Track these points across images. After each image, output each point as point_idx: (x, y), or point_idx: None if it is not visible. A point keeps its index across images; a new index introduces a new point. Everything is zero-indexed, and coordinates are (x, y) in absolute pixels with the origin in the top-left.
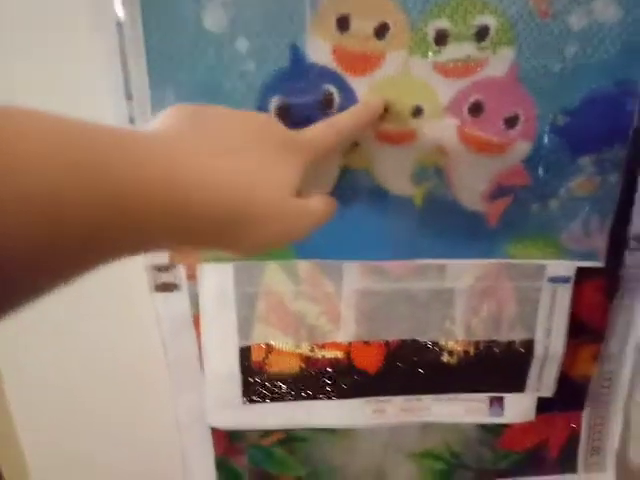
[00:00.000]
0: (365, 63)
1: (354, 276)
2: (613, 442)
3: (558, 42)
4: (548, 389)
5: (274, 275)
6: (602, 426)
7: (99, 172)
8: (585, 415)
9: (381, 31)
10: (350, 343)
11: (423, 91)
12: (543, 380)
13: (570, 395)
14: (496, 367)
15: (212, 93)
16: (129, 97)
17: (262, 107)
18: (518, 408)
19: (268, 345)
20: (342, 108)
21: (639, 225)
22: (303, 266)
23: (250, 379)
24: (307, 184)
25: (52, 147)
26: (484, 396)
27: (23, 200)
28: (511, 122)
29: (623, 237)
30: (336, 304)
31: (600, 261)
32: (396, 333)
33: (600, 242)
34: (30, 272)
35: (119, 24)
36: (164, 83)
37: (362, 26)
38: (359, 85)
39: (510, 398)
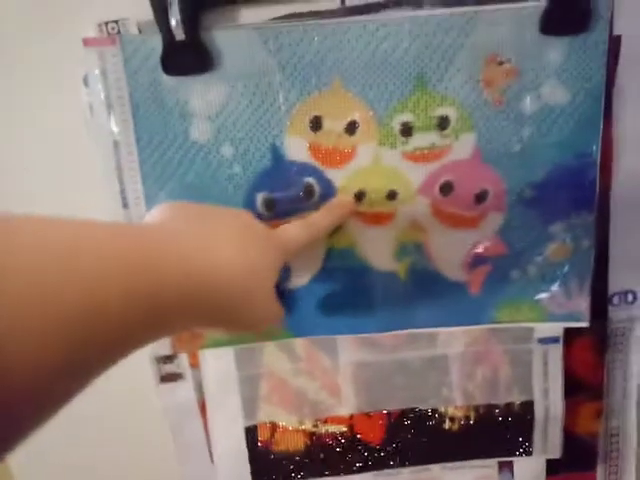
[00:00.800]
0: (339, 157)
1: (349, 349)
2: None
3: (514, 126)
4: (555, 450)
5: (273, 355)
6: None
7: (136, 275)
8: (599, 474)
9: (351, 128)
10: (352, 416)
11: (395, 177)
12: (549, 441)
13: (580, 455)
14: (499, 431)
15: (202, 197)
16: (125, 205)
17: (249, 203)
18: (528, 472)
19: (273, 424)
20: (322, 196)
21: (617, 282)
22: (300, 344)
23: (258, 459)
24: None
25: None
26: (492, 462)
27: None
28: (481, 197)
29: (604, 293)
30: (334, 378)
31: (584, 321)
32: (395, 403)
33: (582, 303)
34: (61, 380)
35: (115, 143)
36: (157, 192)
37: (333, 125)
38: (336, 176)
39: (519, 462)
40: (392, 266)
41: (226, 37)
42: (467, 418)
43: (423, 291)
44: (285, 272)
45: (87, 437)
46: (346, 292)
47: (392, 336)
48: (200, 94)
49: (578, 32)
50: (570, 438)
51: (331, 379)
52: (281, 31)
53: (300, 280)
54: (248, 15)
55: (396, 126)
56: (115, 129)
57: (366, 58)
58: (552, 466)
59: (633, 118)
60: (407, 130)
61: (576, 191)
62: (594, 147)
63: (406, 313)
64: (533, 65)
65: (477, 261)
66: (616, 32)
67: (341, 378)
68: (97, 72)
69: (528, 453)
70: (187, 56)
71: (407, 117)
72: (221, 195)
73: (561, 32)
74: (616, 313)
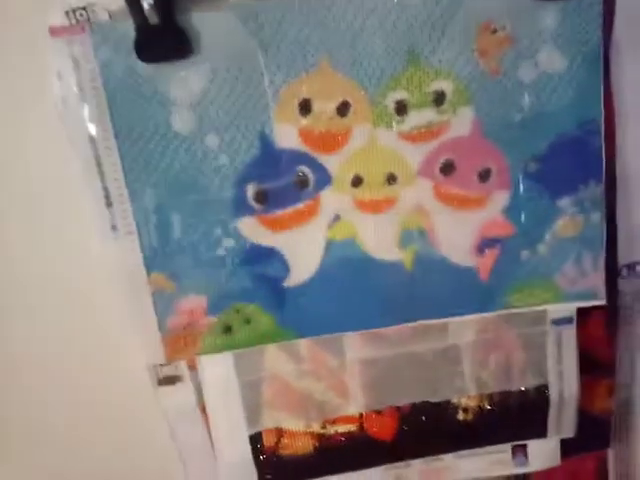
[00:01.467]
0: (332, 141)
1: (355, 346)
2: None
3: (513, 96)
4: (569, 430)
5: (275, 358)
6: (629, 460)
7: None
8: (611, 451)
9: (343, 109)
10: (361, 414)
11: (393, 159)
12: (563, 422)
13: (593, 433)
14: (514, 417)
15: (189, 190)
16: (109, 204)
17: (239, 196)
18: (542, 454)
19: (278, 429)
20: (317, 185)
21: (626, 254)
22: (303, 344)
23: (265, 466)
24: None
25: None
26: (506, 446)
27: None
28: (484, 175)
29: (613, 266)
30: (341, 377)
31: (601, 298)
32: (406, 398)
33: (597, 279)
34: None
35: (91, 138)
36: (142, 188)
37: (324, 107)
38: (330, 162)
39: (533, 445)
40: (396, 255)
41: (203, 18)
42: (480, 407)
43: (431, 280)
44: (282, 269)
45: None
46: (349, 286)
47: (400, 329)
48: (179, 81)
49: None
50: (584, 417)
51: (338, 378)
52: (261, 9)
53: (299, 277)
54: None
55: (390, 104)
56: (91, 123)
57: (353, 34)
58: (565, 446)
59: (633, 81)
60: (402, 108)
61: (582, 161)
62: (596, 113)
63: (414, 304)
64: (528, 31)
65: (485, 244)
66: None
67: (348, 376)
68: (68, 63)
69: (542, 435)
70: (163, 41)
71: (401, 94)
72: (209, 188)
73: None
74: (625, 285)
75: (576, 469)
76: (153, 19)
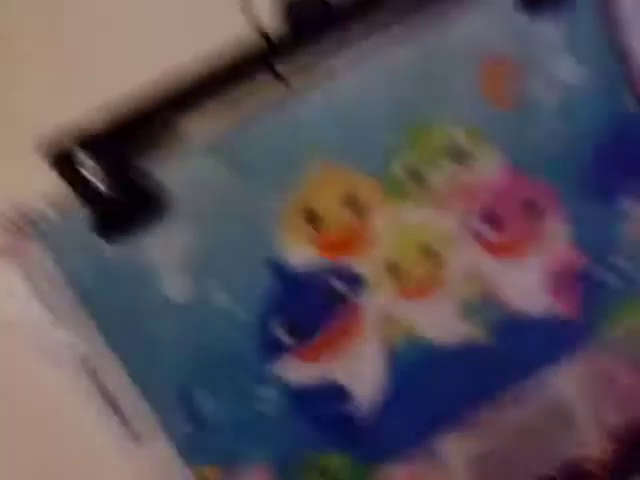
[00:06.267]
0: (352, 241)
1: (455, 446)
2: None
3: (534, 121)
4: None
5: None
6: None
7: None
8: None
9: (352, 202)
10: None
11: (425, 231)
12: None
13: None
14: None
15: (213, 359)
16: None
17: (266, 341)
18: None
19: None
20: (352, 293)
21: None
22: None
23: None
24: None
25: None
26: None
27: None
28: (531, 211)
29: None
30: None
31: None
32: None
33: None
34: None
35: (84, 359)
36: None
37: (331, 209)
38: (358, 263)
39: None
40: (466, 332)
41: (169, 171)
42: (610, 450)
43: (515, 342)
44: (345, 399)
45: None
46: (427, 387)
47: (493, 412)
48: (159, 248)
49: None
50: None
51: None
52: (230, 138)
53: (366, 401)
54: (189, 134)
55: (403, 175)
56: (76, 340)
57: (344, 124)
58: None
59: None
60: (416, 175)
61: (628, 156)
62: (629, 106)
63: (502, 374)
64: (530, 51)
65: (561, 280)
66: None
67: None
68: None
69: None
70: (129, 213)
71: (411, 160)
72: (232, 347)
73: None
74: None
75: None
76: (110, 195)
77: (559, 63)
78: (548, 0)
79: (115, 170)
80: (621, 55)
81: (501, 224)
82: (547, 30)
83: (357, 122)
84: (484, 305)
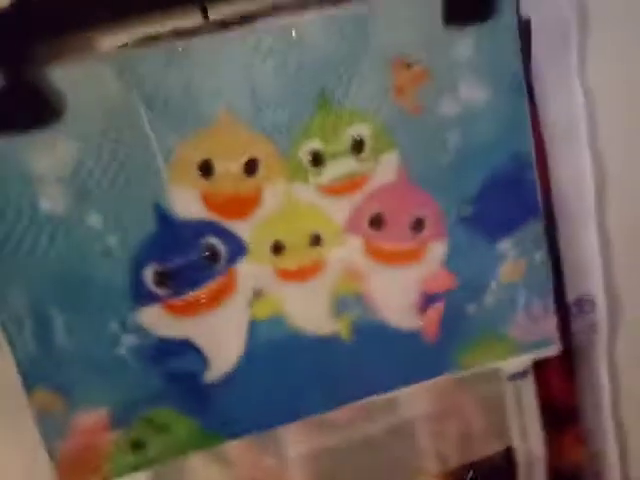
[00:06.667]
0: (242, 205)
1: (296, 439)
2: None
3: (437, 134)
4: None
5: (200, 469)
6: None
7: None
8: None
9: (250, 167)
10: None
11: (315, 218)
12: None
13: None
14: None
15: (70, 282)
16: None
17: (136, 281)
18: None
19: None
20: (231, 258)
21: (573, 291)
22: (233, 447)
23: None
24: None
25: None
26: None
27: None
28: (417, 226)
29: (563, 306)
30: (283, 478)
31: (556, 345)
32: None
33: (549, 324)
34: None
35: None
36: (9, 290)
37: (227, 167)
38: (242, 229)
39: None
40: (332, 327)
41: (68, 75)
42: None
43: (373, 350)
44: (199, 363)
45: None
46: (282, 371)
47: (346, 411)
48: (46, 153)
49: (484, 19)
50: (556, 473)
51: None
52: (138, 59)
53: (221, 369)
54: (95, 43)
55: (304, 156)
56: None
57: (253, 80)
58: None
59: (557, 105)
60: (318, 159)
61: (517, 198)
62: (526, 145)
63: (358, 380)
64: (445, 63)
65: (427, 301)
66: (525, 15)
67: (293, 475)
68: None
69: None
70: (16, 107)
71: (315, 144)
72: (96, 277)
73: (466, 21)
74: (577, 324)
75: None
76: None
77: (464, 80)
78: (472, 19)
79: (12, 62)
80: (528, 92)
81: (386, 230)
82: (461, 44)
83: (267, 86)
84: (355, 305)
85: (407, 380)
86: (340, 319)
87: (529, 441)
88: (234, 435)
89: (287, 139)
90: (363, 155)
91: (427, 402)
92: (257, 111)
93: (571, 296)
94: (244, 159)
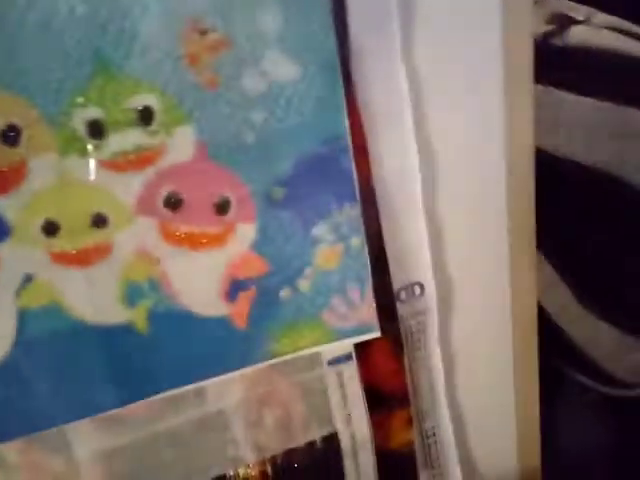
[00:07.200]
0: (2, 178)
1: (86, 438)
2: None
3: (240, 111)
4: (370, 475)
5: None
6: None
7: None
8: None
9: (9, 136)
10: None
11: (97, 196)
12: (361, 468)
13: (398, 470)
14: (307, 476)
15: None
16: None
17: None
18: None
19: None
20: None
21: (401, 276)
22: (11, 449)
23: None
24: None
25: None
26: None
27: None
28: (222, 207)
29: (388, 292)
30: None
31: (375, 331)
32: None
33: (368, 310)
34: None
35: None
36: None
37: None
38: (4, 207)
39: None
40: (123, 316)
41: None
42: (264, 474)
43: (174, 339)
44: None
45: None
46: (63, 365)
47: (143, 406)
48: None
49: None
50: (384, 456)
51: None
52: None
53: None
54: None
55: (80, 126)
56: None
57: (9, 34)
58: None
59: (378, 88)
60: (97, 130)
61: (332, 183)
62: (341, 130)
63: (158, 372)
64: (247, 33)
65: (236, 287)
66: None
67: (84, 477)
68: None
69: None
70: None
71: (93, 112)
72: None
73: None
74: (406, 309)
75: None
76: None
77: (270, 55)
78: None
79: None
80: (347, 79)
81: (185, 211)
82: (266, 14)
83: (31, 37)
84: (150, 292)
85: (217, 370)
86: (134, 307)
87: (353, 425)
88: (9, 436)
89: (57, 105)
90: (152, 128)
91: (240, 391)
92: (16, 71)
93: (399, 283)
94: (1, 126)
